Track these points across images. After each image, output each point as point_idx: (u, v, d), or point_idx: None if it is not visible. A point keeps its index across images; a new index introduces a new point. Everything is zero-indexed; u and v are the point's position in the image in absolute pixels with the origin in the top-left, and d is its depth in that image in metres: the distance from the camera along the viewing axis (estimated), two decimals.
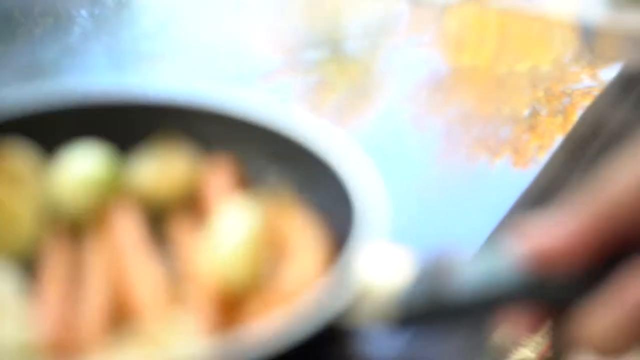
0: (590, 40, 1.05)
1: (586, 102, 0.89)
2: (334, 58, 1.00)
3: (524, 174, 0.80)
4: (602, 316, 0.40)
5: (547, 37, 1.11)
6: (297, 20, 1.08)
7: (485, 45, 1.06)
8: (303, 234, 0.56)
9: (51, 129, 0.60)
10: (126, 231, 0.56)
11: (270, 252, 0.55)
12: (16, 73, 0.91)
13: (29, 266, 0.54)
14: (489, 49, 1.05)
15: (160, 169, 0.60)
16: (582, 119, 0.89)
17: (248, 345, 0.44)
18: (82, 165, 0.58)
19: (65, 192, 0.57)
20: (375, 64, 1.01)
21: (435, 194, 0.72)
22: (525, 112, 0.89)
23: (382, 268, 0.48)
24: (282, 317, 0.49)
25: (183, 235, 0.57)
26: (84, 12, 1.06)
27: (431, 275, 0.46)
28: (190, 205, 0.60)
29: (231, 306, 0.52)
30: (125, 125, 0.62)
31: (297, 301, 0.51)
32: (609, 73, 0.97)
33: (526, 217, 0.43)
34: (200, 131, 0.62)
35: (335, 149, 0.58)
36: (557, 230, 0.42)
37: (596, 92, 0.92)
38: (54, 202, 0.57)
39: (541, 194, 0.77)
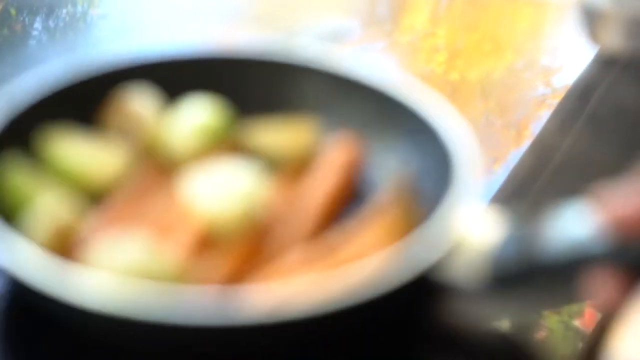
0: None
1: (541, 113, 0.90)
2: None
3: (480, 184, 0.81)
4: None
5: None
6: (249, 28, 1.08)
7: (438, 52, 1.07)
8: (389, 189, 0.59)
9: (176, 79, 0.64)
10: None
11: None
12: None
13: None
14: (441, 55, 1.06)
15: (282, 133, 0.64)
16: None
17: (339, 290, 0.46)
18: (197, 111, 0.62)
19: (178, 134, 0.62)
20: None
21: None
22: (479, 123, 0.90)
23: (475, 227, 0.51)
24: (375, 265, 0.50)
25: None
26: (38, 25, 1.05)
27: (521, 237, 0.48)
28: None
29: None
30: (241, 81, 0.65)
31: (391, 250, 0.53)
32: (563, 79, 0.98)
33: (603, 186, 0.45)
34: (300, 87, 0.65)
35: (435, 111, 0.60)
36: (635, 199, 0.44)
37: (551, 101, 0.93)
38: (166, 143, 0.62)
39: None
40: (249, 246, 0.55)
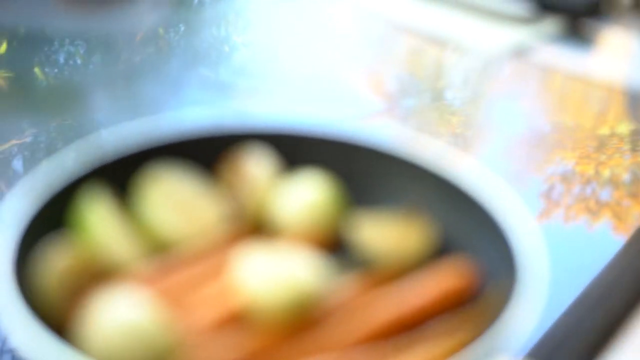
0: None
1: None
2: (433, 106, 0.99)
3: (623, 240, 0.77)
4: None
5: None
6: (399, 66, 1.07)
7: (589, 105, 1.04)
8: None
9: (296, 149, 0.63)
10: None
11: None
12: (115, 101, 0.91)
13: None
14: (592, 108, 1.03)
15: (390, 231, 0.58)
16: None
17: None
18: (310, 188, 0.60)
19: (284, 205, 0.59)
20: (476, 115, 0.99)
21: None
22: (626, 176, 0.87)
23: None
24: None
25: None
26: (183, 44, 1.06)
27: None
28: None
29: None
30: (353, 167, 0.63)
31: None
32: None
33: None
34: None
35: (503, 207, 0.54)
36: None
37: None
38: (271, 210, 0.59)
39: None
40: (279, 335, 0.50)
